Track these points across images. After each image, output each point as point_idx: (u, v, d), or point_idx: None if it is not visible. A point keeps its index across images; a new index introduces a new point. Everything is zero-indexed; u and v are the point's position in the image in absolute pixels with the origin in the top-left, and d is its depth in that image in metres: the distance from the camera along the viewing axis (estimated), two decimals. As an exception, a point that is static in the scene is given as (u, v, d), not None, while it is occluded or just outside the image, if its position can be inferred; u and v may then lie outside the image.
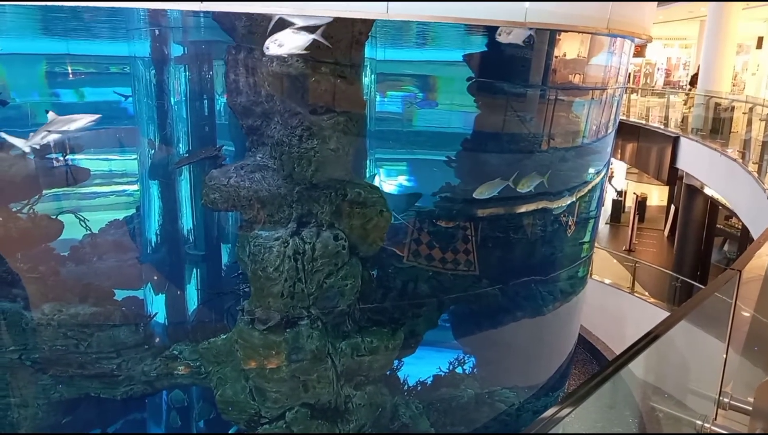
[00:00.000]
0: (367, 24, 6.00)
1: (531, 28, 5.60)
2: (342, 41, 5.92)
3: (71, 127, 5.76)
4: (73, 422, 6.88)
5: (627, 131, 16.23)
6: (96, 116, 5.74)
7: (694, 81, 19.18)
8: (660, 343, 2.07)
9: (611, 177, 21.76)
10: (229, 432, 7.20)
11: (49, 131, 5.72)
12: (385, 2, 4.72)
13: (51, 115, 5.73)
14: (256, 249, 6.12)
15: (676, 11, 21.82)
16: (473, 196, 6.88)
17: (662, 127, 16.06)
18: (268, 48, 5.05)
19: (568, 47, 7.50)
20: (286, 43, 4.99)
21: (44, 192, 7.09)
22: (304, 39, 5.01)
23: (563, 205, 8.23)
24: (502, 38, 5.75)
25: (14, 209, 6.87)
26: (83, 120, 5.80)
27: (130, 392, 6.56)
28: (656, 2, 8.05)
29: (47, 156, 7.30)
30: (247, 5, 4.79)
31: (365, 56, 6.51)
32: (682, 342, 2.78)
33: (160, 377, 6.58)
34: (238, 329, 6.37)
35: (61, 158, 7.40)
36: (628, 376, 2.19)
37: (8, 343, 6.38)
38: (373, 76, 7.55)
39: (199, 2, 4.61)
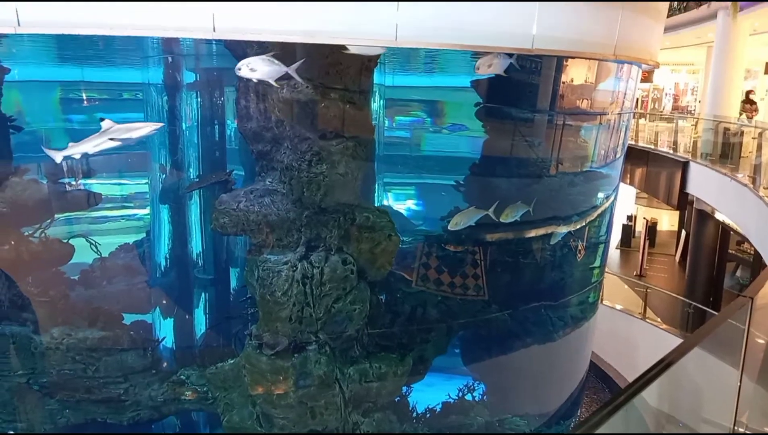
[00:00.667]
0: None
1: (511, 56, 5.57)
2: (351, 67, 6.00)
3: (133, 134, 5.33)
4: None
5: (636, 156, 16.19)
6: (160, 124, 5.39)
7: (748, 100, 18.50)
8: (673, 370, 2.04)
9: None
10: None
11: (111, 139, 5.28)
12: (394, 30, 4.80)
13: (107, 123, 5.32)
14: (264, 273, 6.12)
15: (684, 37, 21.96)
16: (448, 227, 6.73)
17: (671, 151, 16.02)
18: (239, 69, 5.05)
19: (576, 73, 7.56)
20: (258, 70, 5.01)
21: (56, 216, 7.16)
22: (276, 71, 5.06)
23: (569, 229, 8.19)
24: (481, 71, 5.74)
25: (26, 233, 6.94)
26: (147, 128, 5.46)
27: (136, 417, 6.51)
28: (663, 29, 8.11)
29: (60, 180, 7.40)
30: (259, 33, 4.88)
31: (374, 82, 6.59)
32: (696, 369, 2.73)
33: (167, 402, 6.54)
34: (245, 354, 6.34)
35: (74, 182, 7.50)
36: (641, 404, 2.15)
37: (17, 367, 6.38)
38: (381, 101, 7.64)
39: (212, 29, 4.71)
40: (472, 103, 7.59)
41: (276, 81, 5.53)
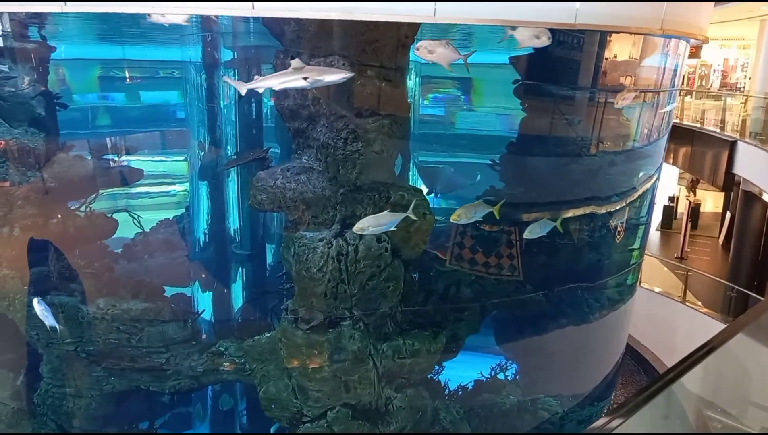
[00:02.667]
0: (413, 27, 6.01)
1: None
2: (388, 45, 5.95)
3: (324, 78, 5.09)
4: (123, 414, 7.14)
5: (680, 135, 15.65)
6: (351, 74, 5.15)
7: None
8: (715, 355, 1.99)
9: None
10: (271, 430, 7.32)
11: (305, 78, 4.96)
12: (433, 4, 4.72)
13: (296, 62, 5.05)
14: (300, 249, 6.21)
15: (734, 11, 20.93)
16: (450, 220, 6.41)
17: (718, 130, 15.42)
18: (418, 49, 4.97)
19: (620, 48, 7.31)
20: (435, 53, 4.94)
21: (100, 191, 7.39)
22: (451, 56, 5.06)
23: (610, 209, 8.01)
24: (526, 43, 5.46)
25: (72, 207, 7.19)
26: (337, 75, 5.17)
27: (177, 386, 6.76)
28: (713, 2, 7.74)
29: (104, 156, 7.63)
30: (297, 11, 4.87)
31: (410, 59, 6.52)
32: (739, 354, 2.67)
33: (206, 373, 6.75)
34: (281, 328, 6.48)
35: (117, 159, 7.72)
36: (679, 389, 2.11)
37: (65, 336, 6.67)
38: (417, 79, 7.56)
39: (252, 4, 4.72)
40: (510, 81, 7.44)
41: (315, 59, 5.54)
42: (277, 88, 5.31)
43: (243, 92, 5.73)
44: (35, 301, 6.26)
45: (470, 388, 7.64)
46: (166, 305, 6.93)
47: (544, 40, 5.20)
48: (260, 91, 5.46)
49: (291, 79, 5.06)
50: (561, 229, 6.64)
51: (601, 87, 7.37)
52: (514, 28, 5.13)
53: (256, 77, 5.48)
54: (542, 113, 7.66)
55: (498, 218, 6.48)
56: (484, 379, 7.76)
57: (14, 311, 6.83)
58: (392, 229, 5.86)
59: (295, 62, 5.07)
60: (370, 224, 5.69)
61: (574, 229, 7.82)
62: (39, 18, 6.33)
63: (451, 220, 6.30)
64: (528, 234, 6.55)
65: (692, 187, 21.62)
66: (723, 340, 2.10)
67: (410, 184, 7.55)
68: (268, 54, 6.73)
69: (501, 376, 7.83)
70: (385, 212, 5.89)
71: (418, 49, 5.00)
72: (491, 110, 8.67)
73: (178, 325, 6.74)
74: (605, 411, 8.84)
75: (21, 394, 7.21)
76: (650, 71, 7.74)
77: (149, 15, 4.95)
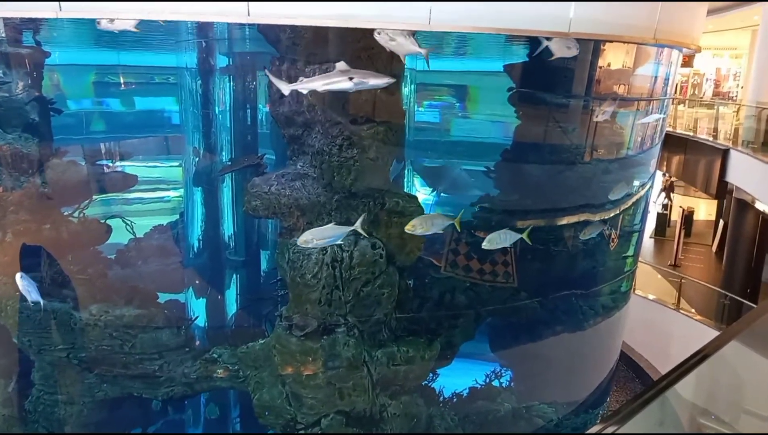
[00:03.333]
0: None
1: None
2: (383, 52, 5.96)
3: (370, 81, 5.15)
4: (116, 421, 7.08)
5: (673, 143, 15.76)
6: (392, 80, 5.23)
7: None
8: (709, 362, 2.00)
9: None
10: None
11: (350, 79, 5.07)
12: (428, 13, 4.75)
13: (341, 64, 5.13)
14: (295, 256, 6.20)
15: (727, 21, 21.14)
16: (482, 246, 6.47)
17: (711, 139, 15.54)
18: (379, 33, 4.95)
19: (613, 57, 7.36)
20: (396, 41, 4.93)
21: (94, 197, 7.36)
22: (410, 49, 5.00)
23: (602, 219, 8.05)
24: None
25: (66, 213, 7.16)
26: (380, 79, 5.24)
27: (170, 393, 6.71)
28: (706, 12, 7.82)
29: (97, 162, 7.60)
30: (294, 18, 4.88)
31: (405, 66, 6.55)
32: (733, 362, 2.67)
33: (199, 380, 6.71)
34: (275, 335, 6.45)
35: (111, 164, 7.69)
36: (673, 395, 2.12)
37: (57, 342, 6.63)
38: (412, 86, 7.58)
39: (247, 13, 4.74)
40: (504, 88, 7.48)
41: (311, 66, 5.54)
42: (320, 89, 5.33)
43: (286, 92, 5.66)
44: (18, 275, 6.10)
45: (465, 395, 7.63)
46: (160, 312, 6.90)
47: (574, 51, 5.30)
48: (304, 91, 5.46)
49: (336, 81, 5.14)
50: (529, 240, 6.60)
51: (595, 95, 7.42)
52: (549, 38, 5.18)
53: (301, 78, 5.52)
54: (537, 121, 7.70)
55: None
56: (479, 386, 7.74)
57: (6, 317, 6.78)
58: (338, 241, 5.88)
59: (341, 65, 5.15)
60: (314, 237, 5.67)
61: (568, 236, 7.84)
62: (33, 23, 6.33)
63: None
64: (487, 244, 6.41)
65: (668, 190, 21.77)
66: (717, 347, 2.10)
67: (405, 190, 7.56)
68: (263, 60, 6.74)
69: (496, 383, 7.82)
70: (330, 225, 5.89)
71: (378, 34, 4.97)
72: (486, 117, 8.71)
73: (171, 332, 6.70)
74: (600, 418, 8.84)
75: (12, 401, 7.15)
76: (643, 80, 7.80)
77: (98, 22, 4.91)
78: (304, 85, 5.38)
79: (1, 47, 6.59)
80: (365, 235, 6.02)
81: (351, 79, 5.06)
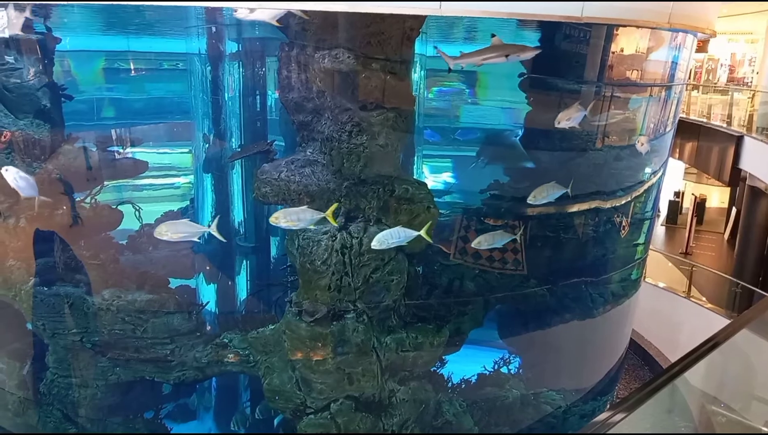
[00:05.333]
0: (419, 20, 5.99)
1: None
2: (393, 37, 5.93)
3: (521, 55, 5.47)
4: (128, 404, 7.19)
5: (686, 130, 15.57)
6: (536, 51, 5.50)
7: None
8: (719, 350, 1.99)
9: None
10: (275, 422, 7.36)
11: (506, 55, 5.34)
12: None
13: (496, 39, 5.34)
14: (304, 242, 6.22)
15: (743, 5, 20.74)
16: (527, 200, 6.54)
17: (725, 125, 15.32)
18: (236, 10, 5.02)
19: (626, 42, 7.26)
20: (257, 9, 4.93)
21: (105, 183, 7.41)
22: (276, 13, 4.98)
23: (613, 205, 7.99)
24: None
25: (78, 199, 7.21)
26: (532, 51, 5.54)
27: (182, 377, 6.80)
28: (722, -5, 7.68)
29: (109, 148, 7.64)
30: (304, 4, 4.85)
31: (415, 52, 6.50)
32: (743, 350, 2.66)
33: (210, 364, 6.79)
34: (285, 320, 6.50)
35: (122, 151, 7.73)
36: (683, 383, 2.11)
37: (71, 326, 6.72)
38: (422, 72, 7.53)
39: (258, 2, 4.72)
40: (515, 74, 7.41)
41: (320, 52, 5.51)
42: (479, 64, 5.57)
43: (451, 66, 5.73)
44: (3, 169, 5.90)
45: (473, 381, 7.66)
46: (171, 297, 6.96)
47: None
48: (463, 66, 5.65)
49: (493, 54, 5.36)
50: (520, 240, 6.62)
51: (608, 81, 7.33)
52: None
53: (461, 52, 5.62)
54: (548, 107, 7.63)
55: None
56: (488, 373, 7.77)
57: (20, 301, 6.88)
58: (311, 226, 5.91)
59: (496, 39, 5.35)
60: (288, 214, 5.78)
61: (578, 223, 7.80)
62: (44, 9, 6.33)
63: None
64: (476, 245, 6.46)
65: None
66: (727, 335, 2.09)
67: (415, 177, 7.54)
68: (272, 47, 6.72)
69: (504, 369, 7.85)
70: (304, 207, 5.92)
71: (236, 11, 5.03)
72: (496, 104, 8.64)
73: (182, 317, 6.77)
74: (608, 405, 8.85)
75: (27, 384, 7.27)
76: (657, 65, 7.70)
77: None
78: (465, 60, 5.56)
79: (12, 33, 6.61)
80: (335, 223, 6.04)
81: (507, 56, 5.32)
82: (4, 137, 6.59)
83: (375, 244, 5.83)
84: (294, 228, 6.03)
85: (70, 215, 6.83)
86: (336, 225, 6.12)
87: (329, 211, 5.86)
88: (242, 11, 4.93)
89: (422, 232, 5.89)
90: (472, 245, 6.51)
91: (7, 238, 6.78)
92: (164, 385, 7.22)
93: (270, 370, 6.63)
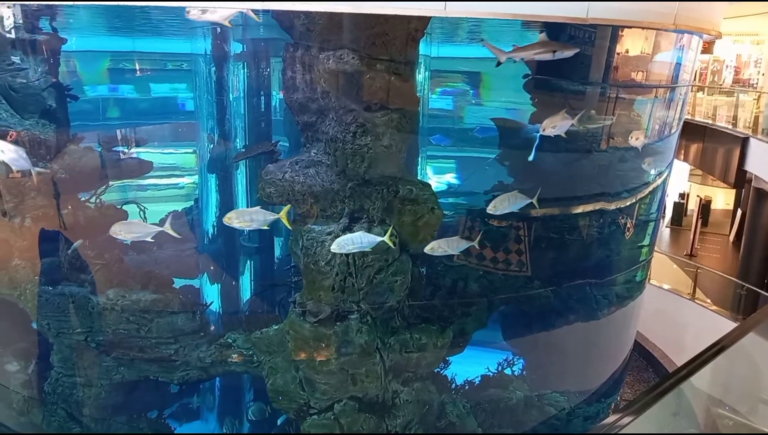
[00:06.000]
0: (424, 21, 5.98)
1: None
2: (397, 38, 5.92)
3: (566, 52, 5.74)
4: (132, 404, 7.21)
5: (692, 131, 15.51)
6: (576, 49, 5.77)
7: None
8: (726, 354, 1.98)
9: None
10: (278, 422, 7.37)
11: (553, 51, 5.65)
12: (443, 0, 4.70)
13: (543, 36, 5.67)
14: (308, 243, 6.22)
15: (749, 6, 20.66)
16: (487, 210, 6.41)
17: (730, 127, 15.26)
18: (189, 11, 5.01)
19: (631, 43, 7.24)
20: (209, 11, 4.94)
21: (110, 183, 7.43)
22: (230, 13, 5.01)
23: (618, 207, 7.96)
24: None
25: (83, 199, 7.24)
26: (574, 49, 5.82)
27: (186, 377, 6.81)
28: (728, -3, 7.65)
29: (114, 148, 7.66)
30: (308, 4, 4.86)
31: (420, 53, 6.50)
32: (749, 353, 2.65)
33: (214, 364, 6.80)
34: (289, 321, 6.50)
35: (127, 151, 7.75)
36: (689, 387, 2.10)
37: (75, 325, 6.74)
38: (427, 73, 7.53)
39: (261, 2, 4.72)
40: (520, 75, 7.39)
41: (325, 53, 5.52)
42: (527, 58, 5.84)
43: (502, 60, 5.86)
44: None
45: (477, 382, 7.65)
46: (175, 297, 6.97)
47: None
48: (516, 60, 5.82)
49: (541, 50, 5.62)
50: (477, 245, 6.54)
51: (612, 82, 7.31)
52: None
53: (515, 45, 5.80)
54: (552, 108, 7.61)
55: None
56: (491, 374, 7.76)
57: (25, 301, 6.91)
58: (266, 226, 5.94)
59: (542, 36, 5.62)
60: (241, 215, 5.87)
61: (582, 225, 7.78)
62: (50, 10, 6.36)
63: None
64: (429, 251, 6.24)
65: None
66: (734, 339, 2.08)
67: (419, 178, 7.54)
68: (277, 47, 6.72)
69: (508, 371, 7.83)
70: (258, 208, 5.94)
71: (188, 12, 5.00)
72: (501, 105, 8.63)
73: (186, 317, 6.79)
74: (612, 407, 8.82)
75: (32, 383, 7.30)
76: (662, 66, 7.67)
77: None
78: (516, 54, 5.72)
79: (18, 34, 6.64)
80: (289, 227, 6.09)
81: (554, 52, 5.57)
82: (10, 137, 6.61)
83: (334, 248, 5.84)
84: (248, 229, 6.04)
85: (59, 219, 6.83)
86: (290, 227, 6.17)
87: (282, 213, 5.93)
88: (195, 12, 4.93)
89: (385, 238, 5.89)
90: (488, 210, 6.39)
91: (12, 238, 6.80)
92: (171, 385, 7.23)
93: (273, 371, 6.64)
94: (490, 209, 6.20)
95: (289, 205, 6.05)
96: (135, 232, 6.05)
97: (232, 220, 5.92)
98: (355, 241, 5.81)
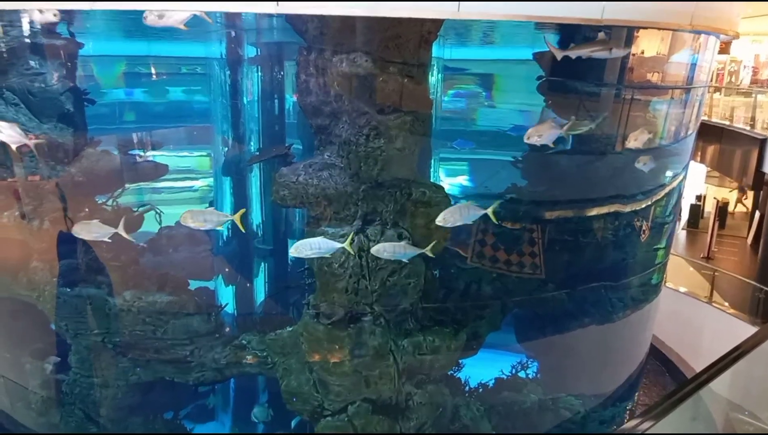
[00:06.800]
0: (437, 23, 5.99)
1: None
2: (410, 41, 5.93)
3: (621, 51, 5.97)
4: (148, 404, 7.27)
5: (708, 132, 15.34)
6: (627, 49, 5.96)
7: None
8: (747, 359, 1.95)
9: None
10: (292, 423, 7.39)
11: (609, 50, 5.80)
12: (457, 2, 4.70)
13: (602, 34, 5.74)
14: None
15: (767, 5, 20.37)
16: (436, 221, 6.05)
17: (748, 128, 15.06)
18: (146, 17, 5.05)
19: (647, 44, 7.17)
20: (166, 15, 4.98)
21: (127, 185, 7.51)
22: (184, 18, 5.03)
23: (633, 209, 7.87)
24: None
25: (100, 201, 7.32)
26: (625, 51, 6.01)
27: (201, 378, 6.86)
28: (745, -4, 7.56)
29: (130, 151, 7.75)
30: (321, 6, 4.88)
31: (433, 55, 6.50)
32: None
33: (229, 365, 6.84)
34: (303, 322, 6.53)
35: (143, 154, 7.84)
36: (707, 391, 2.08)
37: (93, 327, 6.82)
38: (440, 75, 7.52)
39: (275, 3, 4.75)
40: (533, 77, 7.36)
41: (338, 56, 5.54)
42: (584, 56, 5.87)
43: (559, 58, 5.95)
44: None
45: (491, 385, 7.62)
46: (190, 298, 7.03)
47: None
48: (573, 57, 5.89)
49: (599, 48, 5.73)
50: (432, 254, 6.20)
51: (627, 83, 7.25)
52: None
53: (572, 45, 5.89)
54: (566, 110, 7.57)
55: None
56: (505, 377, 7.72)
57: (44, 302, 7.00)
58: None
59: (602, 34, 5.68)
60: (195, 215, 5.94)
61: (597, 227, 7.72)
62: (68, 14, 6.45)
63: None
64: (374, 252, 6.01)
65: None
66: (754, 344, 2.05)
67: (432, 180, 7.53)
68: (291, 51, 6.76)
69: (522, 374, 7.79)
70: (212, 208, 6.05)
71: (145, 18, 5.03)
72: (514, 107, 8.60)
73: (201, 318, 6.84)
74: (628, 412, 8.73)
75: (50, 383, 7.39)
76: (678, 67, 7.59)
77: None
78: (573, 52, 5.81)
79: (36, 39, 6.74)
80: (242, 228, 6.18)
81: (610, 50, 5.71)
82: (29, 140, 6.71)
83: (292, 251, 5.89)
84: (203, 229, 6.11)
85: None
86: (244, 230, 6.28)
87: (237, 215, 6.01)
88: (151, 18, 4.99)
89: (345, 245, 5.88)
90: (437, 222, 6.01)
91: (31, 240, 6.90)
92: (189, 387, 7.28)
93: (288, 372, 6.66)
94: (439, 221, 5.93)
95: (243, 210, 6.19)
96: (94, 232, 6.23)
97: (187, 220, 6.01)
98: (314, 246, 5.85)
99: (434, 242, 5.95)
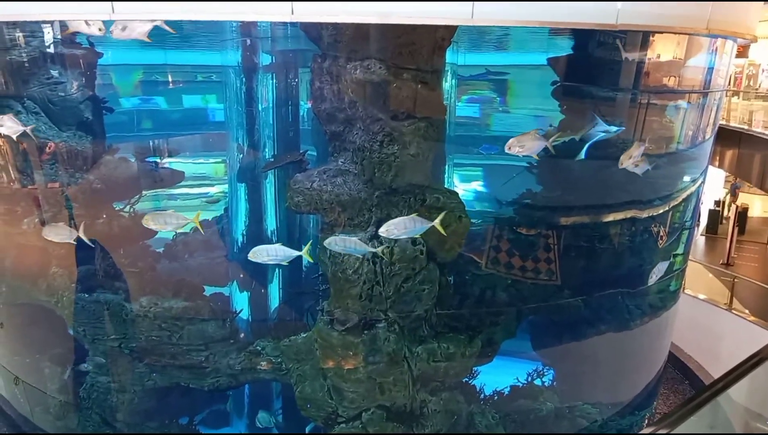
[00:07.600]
0: (450, 30, 6.00)
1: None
2: (424, 47, 5.95)
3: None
4: (164, 409, 7.32)
5: (726, 137, 15.14)
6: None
7: None
8: (765, 365, 1.92)
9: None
10: (306, 430, 7.40)
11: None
12: (470, 6, 4.70)
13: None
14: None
15: (786, 7, 20.10)
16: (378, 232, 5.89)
17: (767, 132, 14.84)
18: (112, 32, 5.09)
19: (663, 48, 7.11)
20: (128, 28, 5.02)
21: (144, 192, 7.61)
22: (146, 31, 5.05)
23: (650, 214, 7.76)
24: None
25: (117, 208, 7.42)
26: None
27: (216, 383, 6.90)
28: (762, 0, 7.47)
29: (147, 159, 7.86)
30: (335, 15, 4.92)
31: (446, 62, 6.50)
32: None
33: (244, 371, 6.87)
34: (317, 329, 6.54)
35: (159, 161, 7.94)
36: (725, 399, 2.05)
37: (110, 332, 6.90)
38: (453, 81, 7.53)
39: (290, 11, 4.80)
40: (548, 82, 7.33)
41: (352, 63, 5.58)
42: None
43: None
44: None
45: (506, 393, 7.55)
46: (206, 304, 7.08)
47: None
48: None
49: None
50: (384, 256, 6.10)
51: (643, 88, 7.19)
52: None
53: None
54: (581, 115, 7.52)
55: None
56: (521, 385, 7.65)
57: (62, 308, 7.10)
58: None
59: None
60: (156, 218, 6.17)
61: (614, 233, 7.64)
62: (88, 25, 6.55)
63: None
64: (384, 232, 5.78)
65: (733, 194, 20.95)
66: (773, 350, 2.02)
67: (446, 186, 7.52)
68: (305, 58, 6.82)
69: (538, 381, 7.71)
70: (171, 211, 6.25)
71: (111, 32, 5.06)
72: (529, 112, 8.56)
73: (217, 324, 6.88)
74: (646, 420, 8.60)
75: (68, 388, 7.48)
76: (695, 72, 7.51)
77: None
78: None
79: (57, 48, 6.87)
80: (201, 229, 6.36)
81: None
82: (49, 148, 6.84)
83: (249, 255, 6.00)
84: (164, 231, 6.22)
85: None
86: (203, 232, 6.47)
87: (195, 217, 6.14)
88: (117, 31, 5.04)
89: (303, 253, 6.02)
90: (379, 233, 5.83)
91: (50, 246, 7.01)
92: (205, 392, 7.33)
93: (302, 378, 6.67)
94: (382, 232, 5.75)
95: (199, 212, 6.32)
96: (61, 234, 6.48)
97: (149, 222, 6.21)
98: (270, 252, 5.91)
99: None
